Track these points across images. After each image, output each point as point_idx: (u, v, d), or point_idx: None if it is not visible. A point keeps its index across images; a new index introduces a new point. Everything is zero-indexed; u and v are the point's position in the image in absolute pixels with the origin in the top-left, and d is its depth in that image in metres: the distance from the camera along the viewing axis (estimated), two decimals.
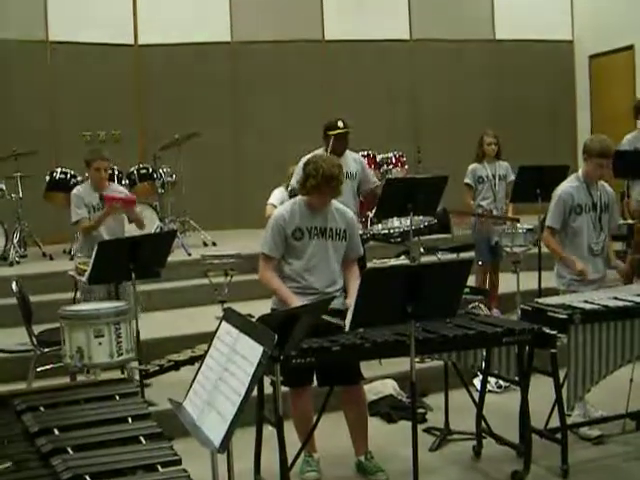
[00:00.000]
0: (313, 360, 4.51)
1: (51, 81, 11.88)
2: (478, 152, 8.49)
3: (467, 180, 8.44)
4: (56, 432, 3.10)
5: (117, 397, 3.43)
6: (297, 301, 4.98)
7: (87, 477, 2.67)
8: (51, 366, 6.30)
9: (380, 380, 6.83)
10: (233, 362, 2.84)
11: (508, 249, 8.11)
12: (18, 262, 9.91)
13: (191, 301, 8.50)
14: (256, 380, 2.65)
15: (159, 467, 2.73)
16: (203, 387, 2.98)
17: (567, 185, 6.27)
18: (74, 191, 7.28)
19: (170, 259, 9.57)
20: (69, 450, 2.93)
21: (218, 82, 12.85)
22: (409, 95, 13.53)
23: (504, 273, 8.56)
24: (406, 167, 11.30)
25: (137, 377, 5.70)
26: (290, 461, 4.73)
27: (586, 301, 5.42)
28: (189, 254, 9.83)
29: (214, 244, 10.71)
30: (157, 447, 2.90)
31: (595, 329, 5.26)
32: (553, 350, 5.14)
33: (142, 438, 3.00)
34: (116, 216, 7.08)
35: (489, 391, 6.81)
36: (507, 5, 13.82)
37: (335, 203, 5.45)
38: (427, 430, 6.14)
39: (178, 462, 2.76)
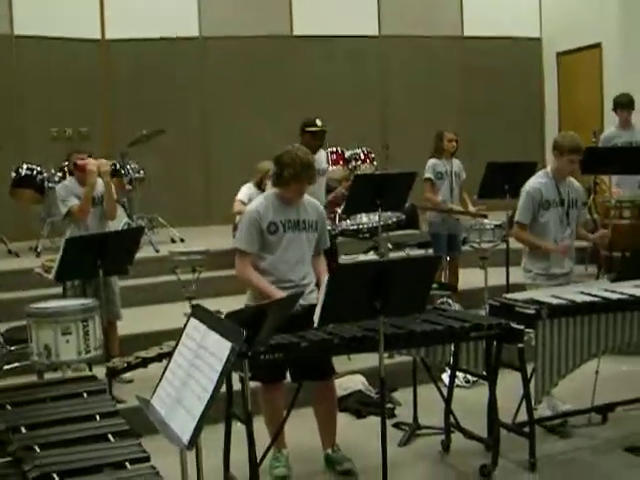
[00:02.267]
0: (281, 356, 4.50)
1: (16, 76, 11.74)
2: (437, 148, 8.52)
3: (428, 175, 8.46)
4: (23, 430, 3.09)
5: (85, 395, 3.43)
6: (281, 293, 4.97)
7: (55, 475, 2.66)
8: (17, 364, 6.25)
9: (349, 375, 6.84)
10: (201, 358, 2.83)
11: (476, 245, 8.16)
12: None
13: (159, 298, 8.46)
14: (224, 376, 2.64)
15: (127, 464, 2.73)
16: (171, 384, 2.97)
17: (536, 181, 6.34)
18: (59, 186, 7.32)
19: (138, 256, 9.58)
20: (36, 448, 2.92)
21: (186, 78, 12.78)
22: (378, 91, 13.53)
23: (471, 269, 8.59)
24: (375, 163, 11.31)
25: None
26: (259, 457, 4.72)
27: (553, 296, 5.46)
28: (157, 251, 9.78)
29: (182, 240, 10.67)
30: (125, 444, 2.90)
31: (562, 324, 5.31)
32: (520, 345, 5.17)
33: (110, 436, 3.01)
34: (98, 212, 7.04)
35: (457, 386, 6.86)
36: (475, 2, 13.86)
37: (305, 196, 5.47)
38: (396, 425, 6.17)
39: (146, 459, 2.76)
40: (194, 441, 2.61)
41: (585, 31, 12.71)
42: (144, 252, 9.84)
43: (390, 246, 8.87)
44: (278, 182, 5.34)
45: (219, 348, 2.73)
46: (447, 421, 5.70)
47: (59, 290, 6.75)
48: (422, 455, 5.69)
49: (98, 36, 12.56)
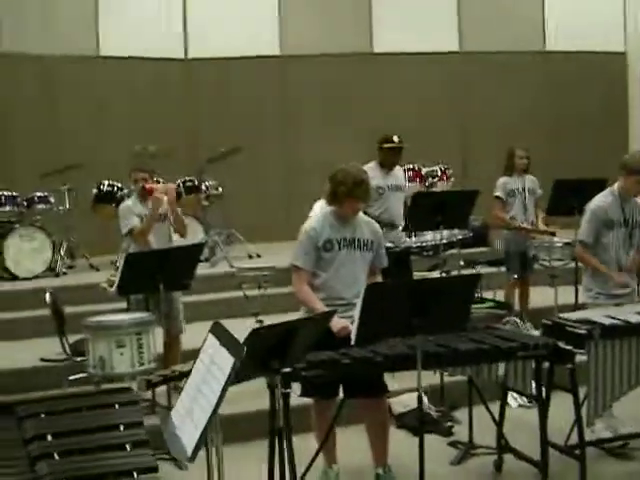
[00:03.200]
0: (322, 372, 4.54)
1: (101, 95, 12.07)
2: (508, 165, 8.45)
3: (498, 193, 8.39)
4: (49, 438, 3.18)
5: (116, 406, 3.51)
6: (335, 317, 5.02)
7: None
8: (80, 376, 6.41)
9: (409, 393, 6.82)
10: (211, 373, 2.90)
11: (546, 263, 8.09)
12: (65, 273, 10.14)
13: (227, 313, 8.52)
14: (225, 391, 2.70)
15: (135, 474, 2.80)
16: (187, 396, 3.04)
17: (601, 200, 6.27)
18: (122, 205, 7.38)
19: (212, 271, 9.83)
20: (55, 456, 3.01)
21: (266, 96, 12.96)
22: (457, 107, 13.48)
23: (541, 287, 8.51)
24: (452, 180, 11.31)
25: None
26: (303, 471, 4.77)
27: (607, 316, 5.35)
28: (231, 266, 9.90)
29: (259, 256, 10.79)
30: (138, 454, 2.97)
31: (616, 345, 5.19)
32: (570, 366, 5.10)
33: (128, 445, 3.08)
34: (163, 228, 7.15)
35: (520, 406, 6.81)
36: (558, 16, 13.72)
37: (362, 215, 5.52)
38: (452, 444, 6.15)
39: (154, 469, 2.82)
40: (195, 454, 2.66)
41: None
42: (219, 268, 10.05)
43: (462, 263, 8.85)
44: (333, 200, 5.39)
45: (226, 363, 2.79)
46: (499, 442, 5.65)
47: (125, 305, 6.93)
48: (474, 474, 5.67)
49: (182, 55, 12.83)
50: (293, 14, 13.17)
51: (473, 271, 8.86)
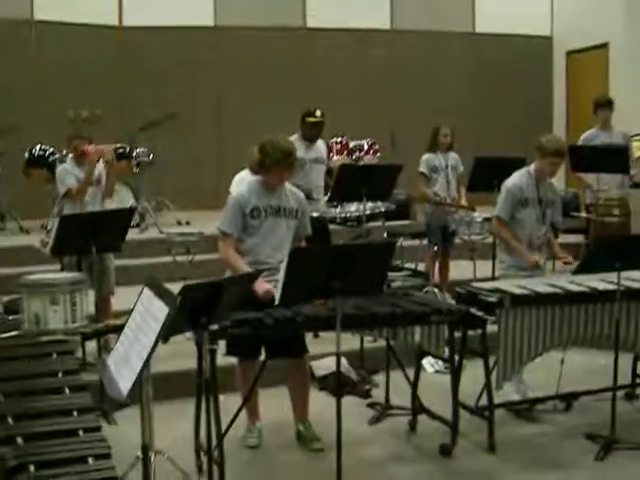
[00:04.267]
0: (246, 330, 4.81)
1: (35, 60, 12.11)
2: (432, 142, 8.73)
3: (422, 169, 8.67)
4: None
5: (54, 355, 3.72)
6: (260, 281, 5.25)
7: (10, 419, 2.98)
8: (14, 333, 6.56)
9: (330, 357, 7.10)
10: (146, 322, 3.14)
11: (465, 237, 8.43)
12: None
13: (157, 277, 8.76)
14: (160, 337, 2.96)
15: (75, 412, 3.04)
16: (122, 345, 3.28)
17: (517, 178, 6.56)
18: (59, 167, 7.61)
19: (141, 236, 10.00)
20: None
21: (200, 65, 13.12)
22: (388, 84, 13.77)
23: (460, 260, 8.85)
24: (378, 155, 11.60)
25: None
26: (226, 427, 5.03)
27: (518, 286, 5.69)
28: (161, 232, 10.08)
29: (187, 223, 10.95)
30: (78, 397, 3.21)
31: (525, 313, 5.51)
32: (481, 331, 5.44)
33: (66, 389, 3.32)
34: (96, 192, 7.34)
35: (437, 371, 7.15)
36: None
37: (287, 185, 5.77)
38: (370, 405, 6.46)
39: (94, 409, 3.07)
40: (132, 394, 2.91)
41: (593, 31, 12.95)
42: (149, 233, 10.23)
43: (386, 235, 9.16)
44: (260, 169, 5.64)
45: (160, 313, 3.04)
46: (414, 403, 5.96)
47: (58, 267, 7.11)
48: (389, 434, 5.95)
49: (116, 22, 12.91)
50: None
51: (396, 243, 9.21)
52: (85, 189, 7.16)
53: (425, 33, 13.80)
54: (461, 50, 14.06)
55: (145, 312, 3.20)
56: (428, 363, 7.17)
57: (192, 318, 3.95)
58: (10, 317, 6.55)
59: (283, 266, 4.57)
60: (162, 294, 3.15)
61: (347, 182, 7.51)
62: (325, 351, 6.83)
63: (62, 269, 6.97)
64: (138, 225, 10.49)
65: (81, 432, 2.95)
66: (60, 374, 3.43)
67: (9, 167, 10.75)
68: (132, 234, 9.71)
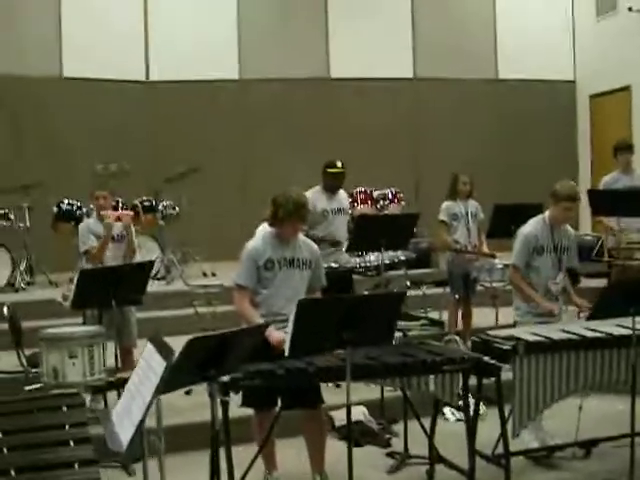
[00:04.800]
0: (258, 382, 4.85)
1: (63, 116, 12.35)
2: (451, 190, 8.78)
3: (442, 217, 8.71)
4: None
5: (64, 408, 3.76)
6: (273, 331, 5.33)
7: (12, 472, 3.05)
8: (36, 385, 6.65)
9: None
10: (147, 376, 3.21)
11: (487, 284, 8.44)
12: (24, 289, 10.38)
13: (179, 329, 8.79)
14: (158, 391, 3.02)
15: (76, 465, 3.09)
16: (125, 398, 3.35)
17: (532, 225, 6.60)
18: (82, 224, 7.71)
19: (166, 289, 10.10)
20: (4, 450, 3.30)
21: (225, 117, 13.32)
22: (412, 133, 13.90)
23: (482, 308, 8.85)
24: (402, 203, 11.66)
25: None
26: (241, 476, 5.07)
27: (532, 333, 5.69)
28: (187, 285, 10.18)
29: (213, 274, 11.04)
30: (81, 449, 3.27)
31: (540, 360, 5.50)
32: (495, 379, 5.43)
33: (71, 442, 3.37)
34: (120, 248, 7.45)
35: (458, 420, 7.12)
36: (510, 45, 14.21)
37: (301, 236, 5.85)
38: (389, 454, 6.47)
39: (95, 462, 3.12)
40: (130, 447, 2.97)
41: (615, 74, 13.03)
42: (174, 286, 10.33)
43: (408, 283, 9.21)
44: (274, 221, 5.73)
45: (159, 367, 3.11)
46: (431, 452, 5.96)
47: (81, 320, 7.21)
48: None
49: (143, 77, 13.18)
50: (252, 39, 13.54)
51: (419, 292, 9.26)
52: (102, 252, 7.27)
53: (448, 80, 13.89)
54: (484, 96, 14.14)
55: (146, 366, 3.27)
56: (449, 412, 7.17)
57: (201, 370, 3.99)
58: (33, 370, 6.67)
59: (291, 317, 4.63)
60: (161, 348, 3.22)
61: (365, 232, 7.59)
62: (344, 401, 6.86)
63: (84, 322, 7.06)
64: (164, 277, 10.61)
65: None
66: (67, 427, 3.48)
67: (38, 221, 10.94)
68: (158, 286, 9.93)
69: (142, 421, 3.04)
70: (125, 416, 3.21)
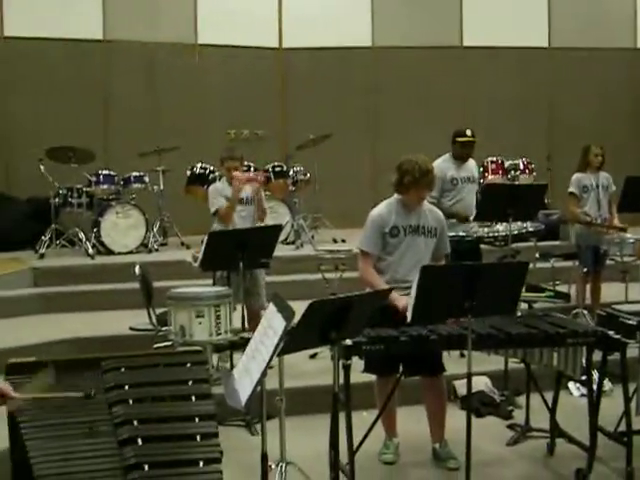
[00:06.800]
0: (382, 348, 4.89)
1: (199, 82, 12.62)
2: (582, 162, 8.61)
3: (572, 189, 8.55)
4: (126, 387, 3.60)
5: (188, 364, 3.89)
6: (397, 296, 5.36)
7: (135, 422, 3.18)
8: (165, 343, 6.85)
9: (474, 377, 7.10)
10: (267, 336, 3.28)
11: (617, 258, 8.26)
12: (157, 250, 10.69)
13: (307, 294, 8.91)
14: (277, 350, 3.09)
15: (196, 419, 3.21)
16: (246, 357, 3.44)
17: None
18: (212, 186, 7.82)
19: (296, 253, 10.22)
20: (130, 401, 3.44)
21: (357, 85, 13.34)
22: (546, 103, 13.65)
23: (612, 282, 8.67)
24: (534, 174, 11.49)
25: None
26: (359, 442, 5.13)
27: None
28: (316, 250, 10.26)
29: (343, 241, 11.09)
30: (201, 404, 3.38)
31: None
32: (621, 355, 5.32)
33: (192, 397, 3.49)
34: (248, 211, 7.54)
35: (582, 395, 7.01)
36: None
37: (426, 203, 5.85)
38: (510, 426, 6.42)
39: (213, 416, 3.22)
40: (249, 403, 3.06)
41: None
42: (303, 250, 10.44)
43: (537, 255, 9.09)
44: (399, 188, 5.74)
45: (279, 327, 3.18)
46: (552, 426, 5.89)
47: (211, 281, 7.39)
48: (526, 456, 5.89)
49: (276, 44, 13.28)
50: (385, 6, 13.50)
51: (548, 264, 9.14)
52: (231, 212, 7.35)
53: (584, 50, 13.56)
54: (621, 66, 13.76)
55: (268, 326, 3.34)
56: (574, 386, 7.08)
57: (322, 332, 4.05)
58: (163, 329, 6.87)
59: (415, 284, 4.64)
60: (282, 309, 3.28)
61: (493, 201, 7.50)
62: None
63: (214, 283, 7.22)
64: (293, 242, 10.74)
65: (198, 437, 3.13)
66: (190, 382, 3.59)
67: (172, 184, 11.22)
68: (287, 251, 10.06)
69: (260, 380, 3.11)
70: (245, 374, 3.29)
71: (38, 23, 11.78)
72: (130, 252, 10.38)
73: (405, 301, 5.27)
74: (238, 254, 6.48)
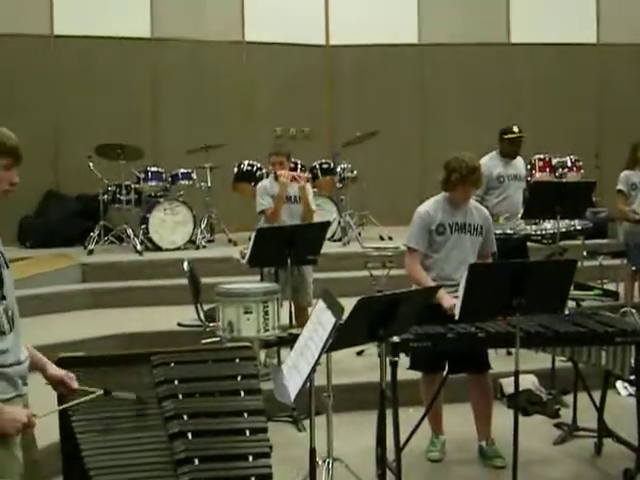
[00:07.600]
0: (429, 345, 4.91)
1: (246, 79, 12.68)
2: (630, 159, 8.54)
3: (620, 186, 8.48)
4: (176, 382, 3.63)
5: (237, 360, 3.91)
6: (445, 294, 5.37)
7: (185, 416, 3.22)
8: (212, 339, 6.91)
9: (521, 375, 7.07)
10: (316, 332, 3.31)
11: None
12: (205, 246, 10.75)
13: (353, 291, 8.92)
14: (326, 346, 3.12)
15: (245, 414, 3.24)
16: (295, 352, 3.47)
17: None
18: (259, 184, 7.84)
19: (342, 250, 10.24)
20: (180, 396, 3.48)
21: (405, 83, 13.33)
22: (592, 100, 13.54)
23: None
24: (582, 172, 11.41)
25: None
26: (406, 439, 5.15)
27: None
28: (363, 247, 10.27)
29: (390, 238, 11.07)
30: (249, 399, 3.41)
31: None
32: None
33: (242, 392, 3.52)
34: (296, 208, 7.57)
35: (630, 395, 6.94)
36: None
37: (473, 201, 5.86)
38: (557, 425, 6.40)
39: (262, 412, 3.25)
40: (298, 399, 3.09)
41: None
42: (350, 247, 10.46)
43: (585, 253, 9.04)
44: (446, 186, 5.75)
45: (328, 323, 3.21)
46: (599, 425, 5.85)
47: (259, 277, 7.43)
48: (573, 455, 5.88)
49: (323, 42, 13.32)
50: (432, 3, 13.47)
51: (595, 262, 9.08)
52: (277, 211, 7.40)
53: (633, 46, 13.43)
54: None
55: (317, 322, 3.37)
56: (622, 385, 7.03)
57: (370, 329, 4.07)
58: (211, 324, 6.93)
59: (463, 282, 4.65)
60: (332, 306, 3.31)
61: (540, 199, 7.47)
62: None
63: (262, 280, 7.27)
64: (341, 239, 10.77)
65: (247, 432, 3.17)
66: (239, 378, 3.62)
67: (220, 181, 11.28)
68: (334, 247, 10.08)
69: (309, 376, 3.14)
70: (294, 370, 3.32)
71: (87, 22, 11.90)
72: (178, 249, 10.46)
73: (450, 299, 5.29)
74: (286, 251, 6.53)
